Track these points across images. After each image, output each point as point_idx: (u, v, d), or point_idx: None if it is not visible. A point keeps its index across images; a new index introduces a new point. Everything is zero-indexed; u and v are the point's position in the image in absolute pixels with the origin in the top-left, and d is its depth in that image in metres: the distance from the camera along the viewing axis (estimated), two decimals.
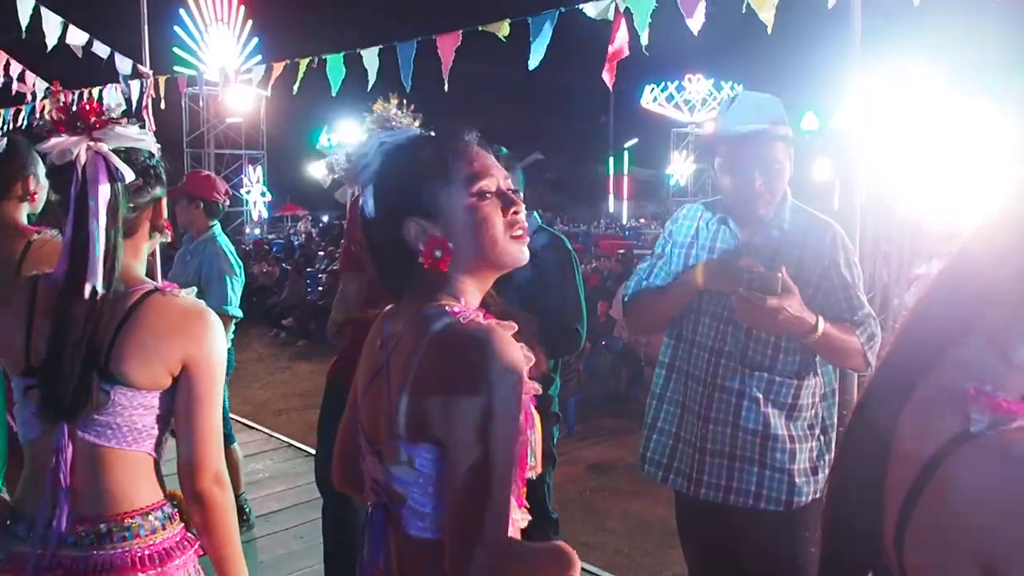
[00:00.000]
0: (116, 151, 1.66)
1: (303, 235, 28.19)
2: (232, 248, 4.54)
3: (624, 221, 44.65)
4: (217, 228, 4.56)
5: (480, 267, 1.36)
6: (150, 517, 1.67)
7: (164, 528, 1.68)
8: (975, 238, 0.94)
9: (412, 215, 1.33)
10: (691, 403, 2.48)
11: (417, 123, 1.24)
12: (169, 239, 1.92)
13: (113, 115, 1.71)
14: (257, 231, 29.72)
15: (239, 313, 4.44)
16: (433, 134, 1.41)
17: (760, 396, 2.39)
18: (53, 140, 1.61)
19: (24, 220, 2.83)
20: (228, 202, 4.78)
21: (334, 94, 5.78)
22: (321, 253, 20.49)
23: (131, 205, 1.73)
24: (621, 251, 23.28)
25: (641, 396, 9.24)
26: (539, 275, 2.19)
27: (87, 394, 1.60)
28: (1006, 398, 0.85)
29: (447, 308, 1.29)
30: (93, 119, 1.64)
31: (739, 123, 2.39)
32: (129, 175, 1.66)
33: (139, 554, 1.61)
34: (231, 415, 5.29)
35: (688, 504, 2.55)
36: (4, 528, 1.64)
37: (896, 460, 0.91)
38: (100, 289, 1.63)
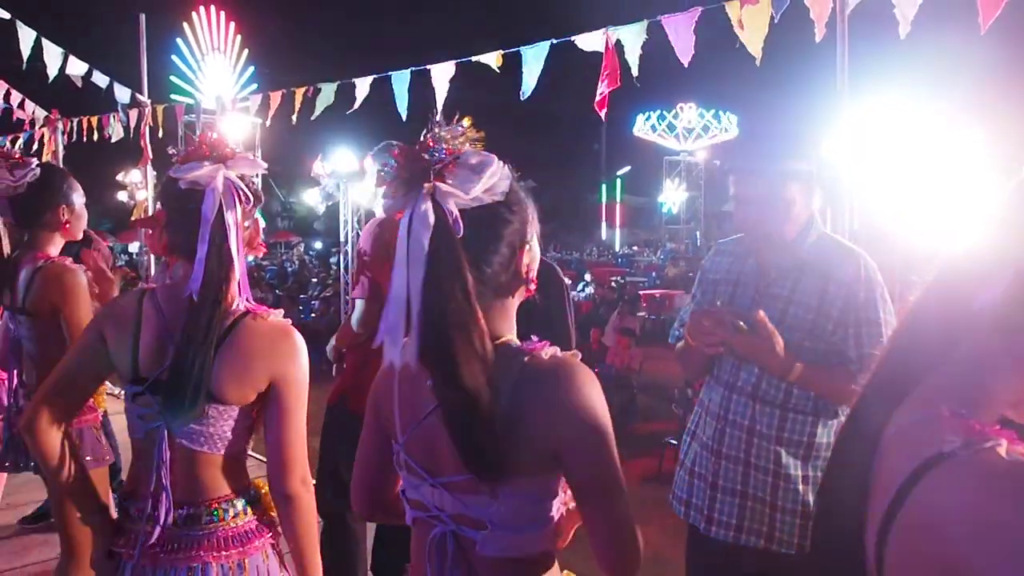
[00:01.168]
0: (240, 177, 1.82)
1: (297, 261, 28.21)
2: None
3: (617, 248, 44.78)
4: None
5: (521, 297, 1.43)
6: (236, 503, 1.83)
7: (246, 513, 1.84)
8: (949, 268, 0.97)
9: (526, 242, 1.38)
10: (707, 439, 2.40)
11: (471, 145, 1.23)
12: (263, 253, 2.04)
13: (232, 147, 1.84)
14: (251, 257, 29.73)
15: None
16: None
17: (772, 433, 2.27)
18: (190, 166, 1.75)
19: (53, 250, 2.84)
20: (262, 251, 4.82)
21: (313, 118, 5.85)
22: (314, 280, 20.49)
23: (247, 224, 1.88)
24: (614, 278, 23.39)
25: (633, 424, 9.26)
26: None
27: (194, 406, 1.74)
28: (979, 421, 0.86)
29: (512, 344, 1.33)
30: (228, 149, 1.80)
31: (746, 158, 2.36)
32: (250, 198, 1.83)
33: (224, 534, 1.79)
34: None
35: (700, 541, 2.42)
36: (123, 508, 1.84)
37: (875, 488, 0.92)
38: (241, 306, 1.81)
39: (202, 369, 1.72)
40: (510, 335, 1.36)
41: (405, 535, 3.98)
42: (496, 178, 1.28)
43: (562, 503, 1.34)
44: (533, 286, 1.40)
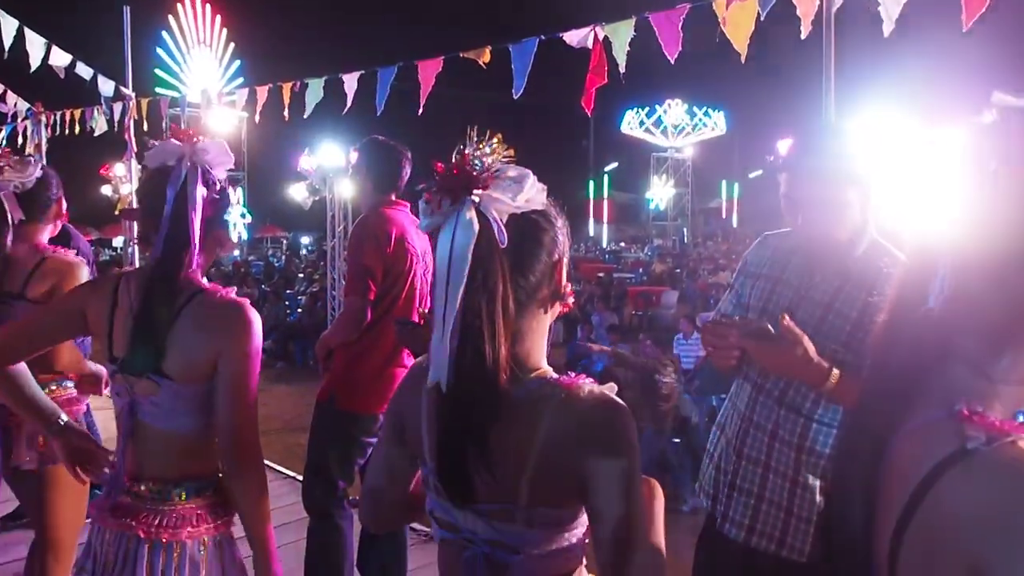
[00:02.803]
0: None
1: (283, 257, 28.13)
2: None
3: (604, 244, 44.88)
4: None
5: (555, 315, 1.43)
6: (185, 485, 1.89)
7: (194, 497, 1.90)
8: (906, 271, 0.99)
9: (564, 256, 1.38)
10: (731, 436, 2.36)
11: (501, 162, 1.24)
12: (230, 251, 2.10)
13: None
14: (237, 253, 29.62)
15: None
16: None
17: (794, 441, 2.22)
18: (160, 146, 1.87)
19: (44, 240, 2.99)
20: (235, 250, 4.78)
21: (306, 116, 5.83)
22: (300, 275, 20.43)
23: (214, 214, 1.95)
24: (601, 274, 23.45)
25: None
26: None
27: (146, 369, 1.84)
28: (997, 417, 0.86)
29: (549, 378, 1.33)
30: (195, 138, 1.88)
31: (794, 156, 2.26)
32: (218, 181, 1.93)
33: (166, 514, 1.86)
34: None
35: (715, 536, 2.40)
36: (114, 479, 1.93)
37: (886, 491, 0.91)
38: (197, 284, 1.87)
39: (153, 335, 1.81)
40: (544, 363, 1.37)
41: (389, 535, 3.96)
42: (535, 190, 1.29)
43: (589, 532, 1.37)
44: (571, 300, 1.40)
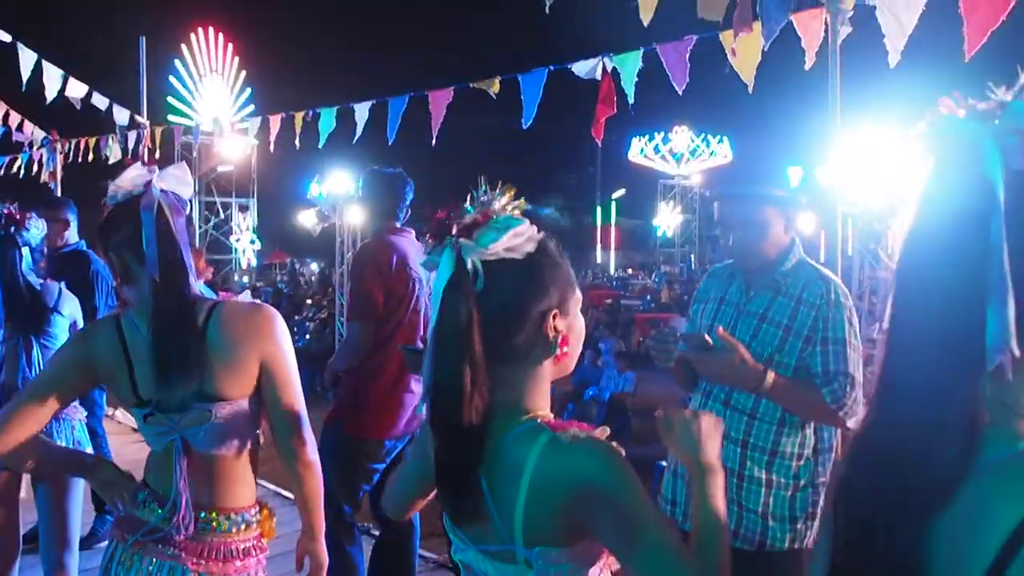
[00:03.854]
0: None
1: (291, 283, 28.20)
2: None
3: (611, 271, 44.87)
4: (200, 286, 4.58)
5: (559, 372, 1.44)
6: (244, 515, 1.92)
7: (248, 528, 1.93)
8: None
9: (556, 308, 1.38)
10: None
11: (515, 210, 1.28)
12: (208, 278, 2.16)
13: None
14: (245, 279, 29.73)
15: None
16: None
17: (740, 438, 2.48)
18: (124, 175, 1.83)
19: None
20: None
21: (320, 146, 5.90)
22: (309, 301, 20.47)
23: (188, 234, 1.96)
24: (608, 301, 23.42)
25: (628, 446, 9.24)
26: None
27: (186, 388, 1.79)
28: None
29: (538, 421, 1.33)
30: (155, 165, 1.90)
31: (725, 184, 2.63)
32: (186, 207, 1.93)
33: (235, 545, 1.88)
34: None
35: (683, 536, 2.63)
36: (144, 505, 1.87)
37: (958, 527, 0.85)
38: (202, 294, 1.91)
39: (187, 363, 1.77)
40: (541, 407, 1.38)
41: (397, 561, 3.96)
42: (521, 239, 1.31)
43: (605, 567, 1.36)
44: (563, 351, 1.39)
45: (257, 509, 1.98)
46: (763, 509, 2.45)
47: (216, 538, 1.86)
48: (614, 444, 1.32)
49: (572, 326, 1.41)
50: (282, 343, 1.89)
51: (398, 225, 3.64)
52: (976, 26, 2.75)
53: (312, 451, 1.97)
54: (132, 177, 1.83)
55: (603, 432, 1.33)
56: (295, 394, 1.91)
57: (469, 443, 1.30)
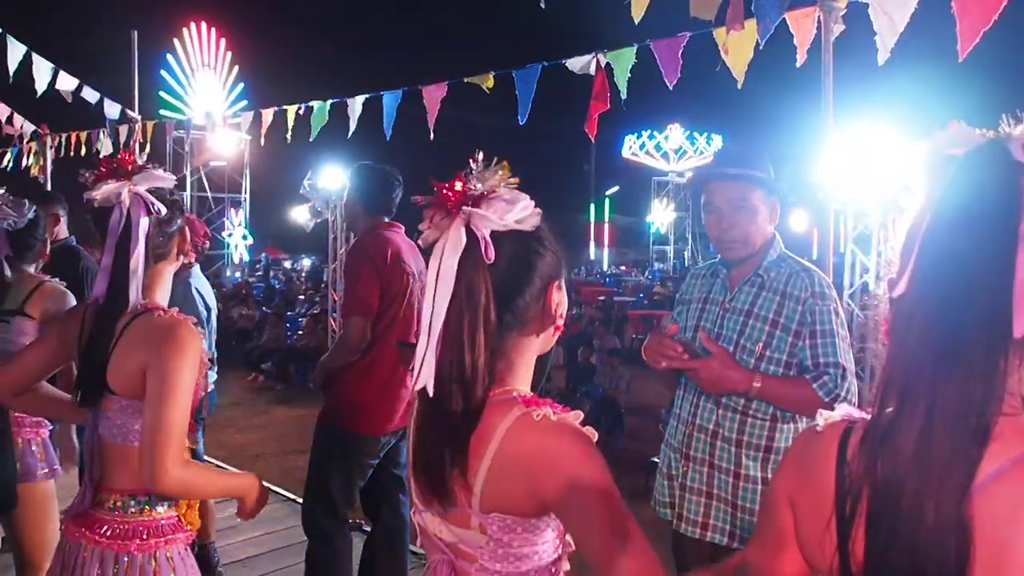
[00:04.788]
0: (148, 191, 2.00)
1: (284, 278, 28.13)
2: (207, 290, 4.44)
3: (605, 268, 44.89)
4: (195, 269, 4.50)
5: (545, 346, 1.44)
6: (137, 499, 1.97)
7: (150, 510, 1.98)
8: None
9: (556, 279, 1.39)
10: (677, 443, 2.61)
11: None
12: (192, 260, 2.18)
13: (141, 162, 2.04)
14: (238, 274, 29.64)
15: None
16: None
17: (733, 436, 2.48)
18: (99, 186, 1.95)
19: (33, 270, 3.18)
20: (208, 244, 4.75)
21: (312, 139, 5.88)
22: (301, 297, 20.43)
23: (162, 236, 2.04)
24: (602, 298, 23.44)
25: (621, 443, 9.27)
26: None
27: (92, 396, 1.98)
28: None
29: (513, 395, 1.33)
30: (130, 167, 1.98)
31: (714, 167, 2.60)
32: (162, 209, 2.00)
33: (120, 526, 1.94)
34: (206, 458, 5.25)
35: (679, 539, 2.62)
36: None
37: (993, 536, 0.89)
38: (131, 301, 1.96)
39: (101, 364, 1.93)
40: (521, 382, 1.38)
41: (389, 557, 3.96)
42: (528, 212, 1.32)
43: (560, 541, 1.36)
44: (561, 322, 1.42)
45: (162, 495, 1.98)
46: (759, 507, 2.41)
47: (117, 517, 1.95)
48: (586, 429, 1.31)
49: (562, 299, 1.42)
50: (168, 359, 1.85)
51: (388, 220, 3.63)
52: (969, 26, 2.75)
53: (169, 470, 1.82)
54: (106, 191, 1.95)
55: (576, 416, 1.31)
56: (160, 414, 1.83)
57: (468, 420, 1.29)
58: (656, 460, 8.02)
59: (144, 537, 1.94)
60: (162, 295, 2.08)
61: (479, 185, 1.30)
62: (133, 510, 1.95)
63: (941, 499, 0.90)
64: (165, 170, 2.08)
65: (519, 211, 1.31)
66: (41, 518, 2.92)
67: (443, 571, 1.38)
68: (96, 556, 1.92)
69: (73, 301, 3.05)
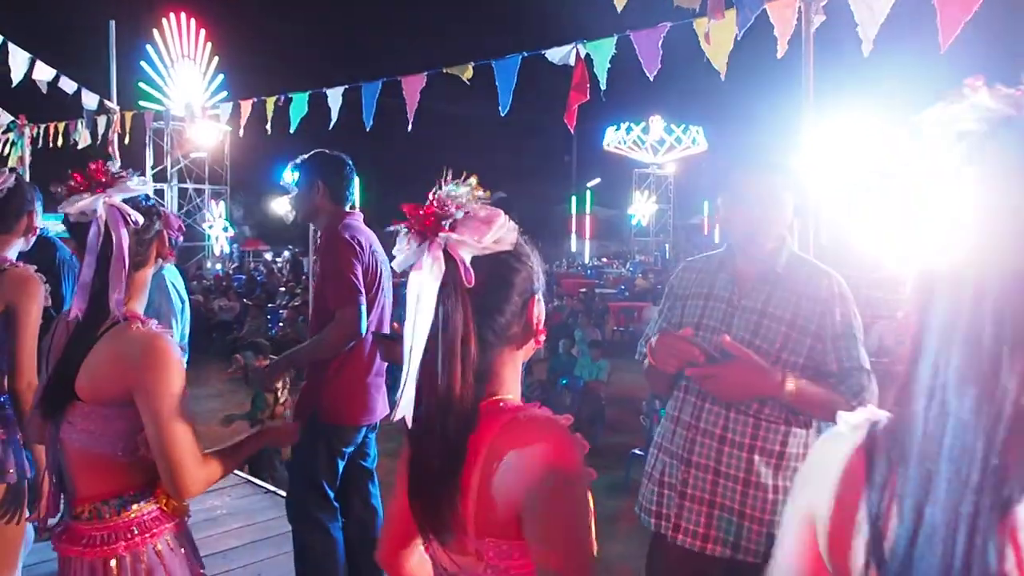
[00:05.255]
0: (125, 200, 1.97)
1: (265, 270, 27.97)
2: (179, 283, 4.38)
3: (586, 260, 44.94)
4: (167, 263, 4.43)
5: (527, 356, 1.42)
6: (110, 503, 1.94)
7: (128, 510, 1.95)
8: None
9: (535, 293, 1.37)
10: (676, 448, 2.43)
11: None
12: (170, 258, 2.16)
13: (115, 167, 2.00)
14: (219, 266, 29.47)
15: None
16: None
17: (745, 441, 2.32)
18: (73, 200, 1.92)
19: (11, 253, 2.93)
20: (181, 238, 4.68)
21: (292, 131, 5.84)
22: (283, 289, 20.34)
23: (141, 244, 2.01)
24: (583, 290, 23.47)
25: (602, 435, 9.30)
26: None
27: (55, 405, 1.95)
28: None
29: (502, 405, 1.30)
30: (104, 179, 1.95)
31: (747, 160, 2.44)
32: (139, 219, 1.97)
33: (92, 532, 1.92)
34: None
35: (666, 550, 2.45)
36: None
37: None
38: (114, 314, 1.92)
39: (70, 372, 1.91)
40: (511, 392, 1.36)
41: (364, 547, 3.94)
42: (504, 230, 1.30)
43: None
44: (543, 338, 1.40)
45: (137, 492, 1.98)
46: (771, 517, 2.27)
47: (96, 525, 1.92)
48: (576, 435, 1.28)
49: (542, 311, 1.40)
50: (156, 380, 1.86)
51: (348, 209, 3.61)
52: (949, 18, 2.76)
53: (189, 483, 1.89)
54: (80, 206, 1.92)
55: (567, 420, 1.29)
56: (165, 432, 1.85)
57: (460, 448, 1.26)
58: (638, 452, 8.03)
59: (128, 537, 1.92)
60: (140, 303, 2.05)
61: (454, 206, 1.27)
62: (109, 514, 1.93)
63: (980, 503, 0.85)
64: (141, 173, 2.06)
65: (496, 231, 1.28)
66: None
67: None
68: (86, 567, 1.90)
69: (41, 291, 2.85)
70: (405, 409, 1.26)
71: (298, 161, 3.71)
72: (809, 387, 2.23)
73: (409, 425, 1.27)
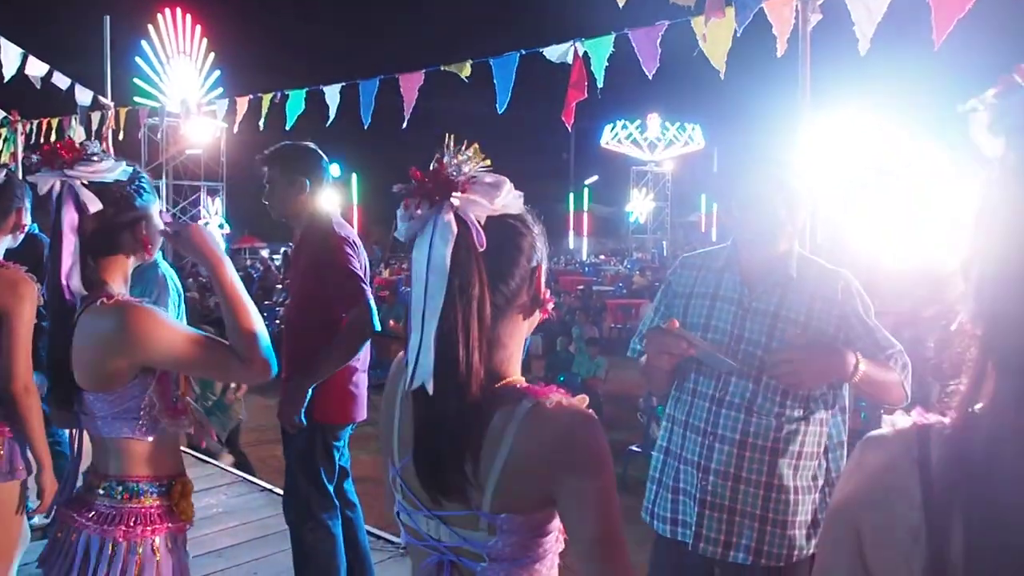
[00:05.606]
0: (91, 183, 1.91)
1: (261, 267, 27.93)
2: (176, 278, 4.36)
3: (584, 257, 44.96)
4: (158, 255, 4.40)
5: (529, 331, 1.42)
6: (120, 486, 1.95)
7: (141, 498, 1.95)
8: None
9: (540, 263, 1.37)
10: (689, 454, 2.37)
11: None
12: (147, 257, 2.07)
13: (92, 150, 1.95)
14: None
15: None
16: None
17: (767, 444, 2.28)
18: (37, 175, 1.90)
19: (1, 249, 2.90)
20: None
21: (288, 127, 5.83)
22: (280, 286, 20.29)
23: (103, 228, 1.95)
24: (580, 287, 23.48)
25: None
26: None
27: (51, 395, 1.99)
28: None
29: (519, 386, 1.31)
30: (67, 156, 1.90)
31: (757, 160, 2.39)
32: (95, 205, 1.90)
33: (105, 511, 1.92)
34: (183, 448, 5.19)
35: (684, 557, 2.39)
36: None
37: None
38: (68, 296, 1.91)
39: (62, 359, 1.91)
40: (516, 372, 1.36)
41: (350, 543, 3.90)
42: (511, 196, 1.30)
43: (561, 533, 1.35)
44: (550, 306, 1.39)
45: (152, 483, 1.98)
46: (792, 518, 2.27)
47: (105, 501, 1.93)
48: (592, 412, 1.31)
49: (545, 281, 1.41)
50: (157, 340, 1.86)
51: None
52: (943, 15, 2.77)
53: (255, 361, 1.91)
54: (41, 181, 1.90)
55: (583, 400, 1.31)
56: (197, 355, 1.89)
57: (469, 416, 1.26)
58: (635, 449, 8.03)
59: (130, 524, 1.91)
60: (118, 284, 2.00)
61: (462, 170, 1.26)
62: (122, 496, 1.93)
63: None
64: (131, 161, 2.03)
65: (505, 195, 1.29)
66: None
67: (445, 572, 1.35)
68: (82, 541, 1.89)
69: (34, 291, 2.80)
70: (423, 376, 1.25)
71: (269, 154, 3.51)
72: (874, 367, 2.22)
73: (430, 392, 1.25)
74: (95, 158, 1.94)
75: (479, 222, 1.25)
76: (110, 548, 1.89)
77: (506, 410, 1.26)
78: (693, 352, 2.19)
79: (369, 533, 3.93)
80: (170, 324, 1.90)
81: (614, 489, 1.28)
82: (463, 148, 1.29)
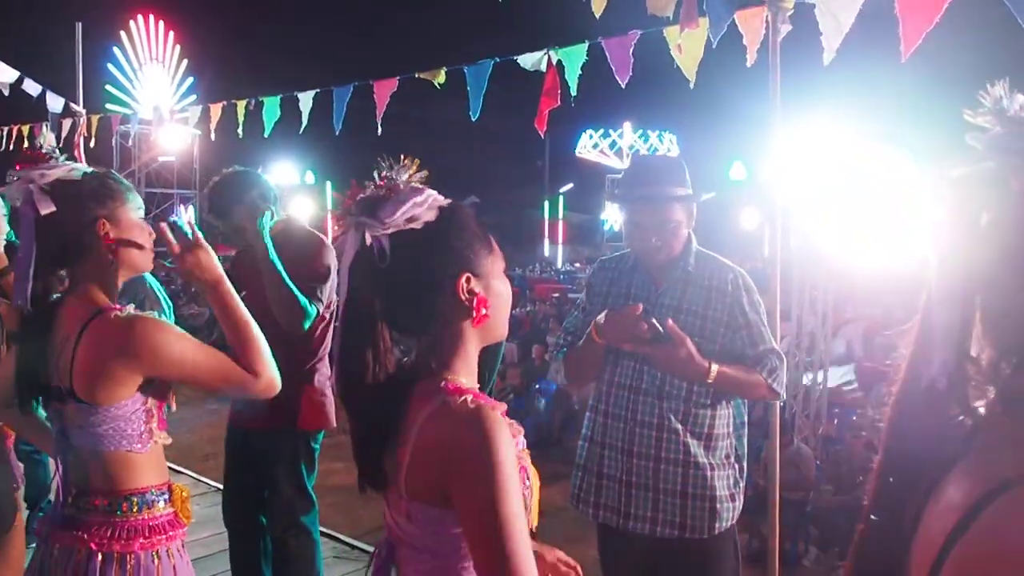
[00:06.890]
0: (47, 186, 1.88)
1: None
2: (157, 285, 4.35)
3: (559, 265, 45.02)
4: None
5: (487, 337, 1.45)
6: (124, 500, 1.91)
7: (152, 508, 1.94)
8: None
9: (467, 270, 1.37)
10: (613, 440, 2.62)
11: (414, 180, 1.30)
12: (112, 261, 1.96)
13: (54, 155, 1.94)
14: None
15: None
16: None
17: (679, 427, 2.53)
18: (10, 186, 1.90)
19: None
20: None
21: (266, 135, 5.81)
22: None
23: (65, 231, 1.90)
24: (556, 294, 23.52)
25: (572, 438, 9.31)
26: None
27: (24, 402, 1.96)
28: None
29: (443, 384, 1.33)
30: (26, 163, 1.91)
31: (639, 186, 2.64)
32: (47, 207, 1.85)
33: (134, 524, 1.90)
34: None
35: (615, 537, 2.63)
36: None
37: (924, 524, 0.85)
38: (28, 306, 1.88)
39: (33, 367, 1.89)
40: (459, 371, 1.39)
41: (304, 544, 3.86)
42: (421, 208, 1.34)
43: None
44: (481, 313, 1.39)
45: (161, 491, 1.98)
46: (712, 493, 2.52)
47: (116, 518, 1.89)
48: (512, 422, 1.35)
49: (490, 287, 1.41)
50: (170, 352, 1.86)
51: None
52: (912, 27, 2.81)
53: (261, 374, 1.95)
54: (11, 193, 1.90)
55: (499, 407, 1.33)
56: (207, 368, 1.91)
57: (379, 418, 1.35)
58: None
59: (147, 535, 1.91)
60: (104, 290, 1.95)
61: (377, 184, 1.36)
62: (140, 507, 1.92)
63: None
64: (103, 166, 2.05)
65: (409, 209, 1.32)
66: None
67: (383, 550, 1.44)
68: (97, 560, 1.84)
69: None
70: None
71: (216, 187, 3.53)
72: (730, 370, 2.48)
73: (337, 391, 1.41)
74: (52, 161, 1.93)
75: (383, 239, 1.32)
76: (131, 561, 1.87)
77: (424, 402, 1.32)
78: (648, 335, 2.40)
79: (342, 542, 3.92)
80: (182, 336, 1.90)
81: (507, 502, 1.22)
82: (402, 163, 1.37)
